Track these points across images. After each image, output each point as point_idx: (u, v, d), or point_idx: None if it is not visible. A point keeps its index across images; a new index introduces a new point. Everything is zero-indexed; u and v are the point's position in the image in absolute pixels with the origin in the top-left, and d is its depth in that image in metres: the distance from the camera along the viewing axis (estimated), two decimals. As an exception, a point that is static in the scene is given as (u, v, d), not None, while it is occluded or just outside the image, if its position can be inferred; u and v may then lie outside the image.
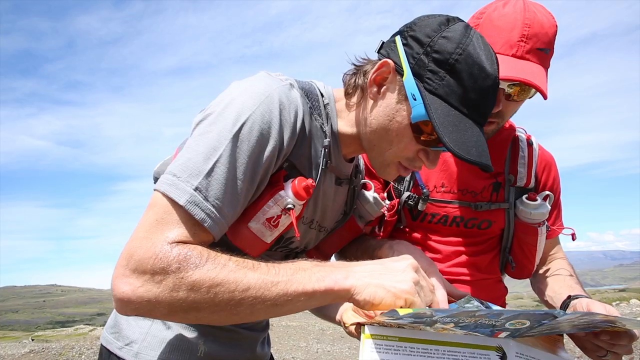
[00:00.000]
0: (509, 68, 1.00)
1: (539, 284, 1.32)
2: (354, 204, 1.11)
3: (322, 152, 0.89)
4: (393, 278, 0.72)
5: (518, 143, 1.28)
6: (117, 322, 0.99)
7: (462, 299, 0.96)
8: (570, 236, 1.29)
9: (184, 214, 0.71)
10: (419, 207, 1.21)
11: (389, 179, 1.02)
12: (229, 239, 0.83)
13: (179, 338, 0.87)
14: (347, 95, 0.94)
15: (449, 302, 0.97)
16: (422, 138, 0.84)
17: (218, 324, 0.87)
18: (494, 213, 1.24)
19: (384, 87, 0.86)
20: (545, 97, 1.04)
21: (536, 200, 1.21)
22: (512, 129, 1.32)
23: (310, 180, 0.83)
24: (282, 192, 0.81)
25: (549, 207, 1.22)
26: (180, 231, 0.70)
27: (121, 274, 0.66)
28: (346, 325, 0.83)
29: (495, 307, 0.94)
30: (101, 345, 1.00)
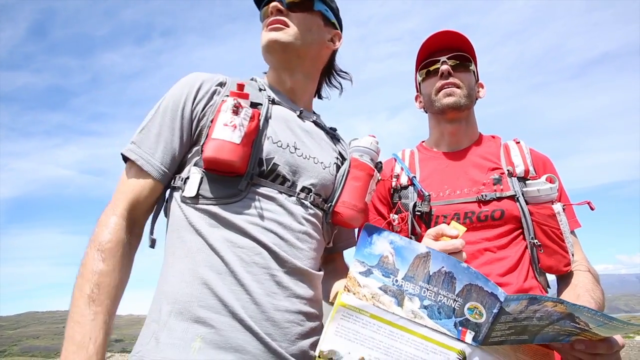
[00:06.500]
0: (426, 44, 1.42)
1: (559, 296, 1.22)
2: (345, 157, 1.20)
3: (262, 93, 1.11)
4: None
5: (507, 145, 1.42)
6: None
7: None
8: (588, 205, 1.26)
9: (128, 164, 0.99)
10: (424, 208, 1.29)
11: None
12: (211, 163, 0.93)
13: (176, 337, 0.85)
14: None
15: None
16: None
17: None
18: (504, 202, 1.28)
19: None
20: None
21: (539, 179, 1.26)
22: (499, 138, 1.48)
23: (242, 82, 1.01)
24: (225, 98, 0.98)
25: (557, 186, 1.24)
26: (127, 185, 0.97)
27: None
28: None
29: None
30: None
